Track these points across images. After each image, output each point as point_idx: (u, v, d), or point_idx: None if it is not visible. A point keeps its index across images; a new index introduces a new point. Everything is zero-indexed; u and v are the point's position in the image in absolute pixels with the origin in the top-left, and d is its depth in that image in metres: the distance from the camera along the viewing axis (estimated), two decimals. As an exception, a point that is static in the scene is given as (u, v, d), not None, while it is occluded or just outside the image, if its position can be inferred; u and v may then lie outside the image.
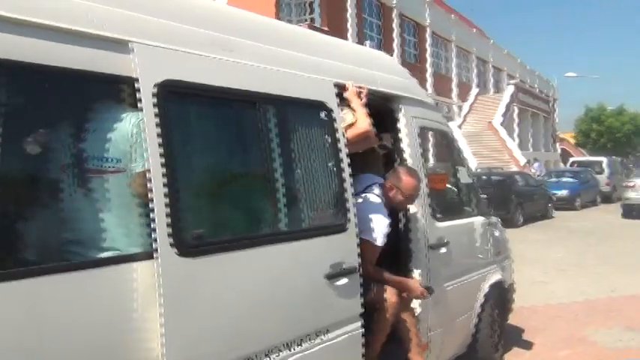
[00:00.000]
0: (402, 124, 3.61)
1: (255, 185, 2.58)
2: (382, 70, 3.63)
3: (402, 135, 3.61)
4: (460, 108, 34.44)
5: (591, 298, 7.21)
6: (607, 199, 22.50)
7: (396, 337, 3.37)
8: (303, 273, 2.64)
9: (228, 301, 2.25)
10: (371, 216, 3.23)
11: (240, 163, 2.57)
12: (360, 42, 23.03)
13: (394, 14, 27.60)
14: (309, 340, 2.63)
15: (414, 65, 29.57)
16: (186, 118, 2.29)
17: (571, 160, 30.13)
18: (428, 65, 30.97)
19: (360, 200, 3.35)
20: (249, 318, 2.33)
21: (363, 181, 3.51)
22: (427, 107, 4.00)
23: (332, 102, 2.94)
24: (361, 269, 3.15)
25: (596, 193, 22.28)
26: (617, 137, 45.06)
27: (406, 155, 3.59)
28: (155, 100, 2.05)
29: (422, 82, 29.78)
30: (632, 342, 5.29)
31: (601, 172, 23.68)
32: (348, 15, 23.92)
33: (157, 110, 2.04)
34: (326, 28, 19.83)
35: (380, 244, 3.18)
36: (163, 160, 2.03)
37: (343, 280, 2.81)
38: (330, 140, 2.91)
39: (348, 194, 2.92)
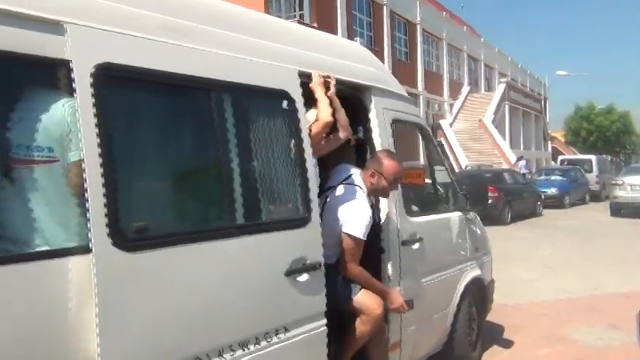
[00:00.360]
0: (373, 116, 3.50)
1: (206, 177, 2.45)
2: (352, 59, 3.52)
3: (373, 127, 3.50)
4: (451, 106, 34.40)
5: (575, 296, 7.14)
6: (596, 197, 22.51)
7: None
8: (260, 268, 2.52)
9: (175, 299, 2.12)
10: (352, 207, 3.11)
11: (190, 152, 2.43)
12: (351, 39, 22.85)
13: (385, 11, 27.49)
14: (267, 338, 2.51)
15: (404, 63, 29.50)
16: (128, 104, 2.16)
17: (560, 158, 30.14)
18: (419, 63, 30.89)
19: (339, 191, 3.23)
20: (197, 316, 2.20)
21: (340, 171, 3.39)
22: (401, 99, 3.88)
23: (295, 91, 2.82)
24: (343, 267, 3.05)
25: (586, 192, 22.28)
26: (606, 136, 45.22)
27: (378, 149, 3.48)
28: (91, 84, 1.92)
29: (413, 80, 29.80)
30: (613, 340, 5.20)
31: (590, 170, 23.68)
32: (338, 11, 23.78)
33: (93, 95, 1.92)
34: (315, 25, 19.66)
35: (363, 238, 3.07)
36: (100, 149, 1.90)
37: (305, 277, 2.70)
38: (292, 131, 2.79)
39: (312, 187, 2.80)
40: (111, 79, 2.00)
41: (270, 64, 2.73)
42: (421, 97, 30.39)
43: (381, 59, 26.68)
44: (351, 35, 23.84)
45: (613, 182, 17.90)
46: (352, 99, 3.51)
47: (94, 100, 1.91)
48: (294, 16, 22.54)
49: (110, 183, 1.91)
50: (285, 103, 2.78)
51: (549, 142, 45.59)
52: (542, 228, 14.59)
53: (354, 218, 3.07)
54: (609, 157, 31.54)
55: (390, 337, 3.44)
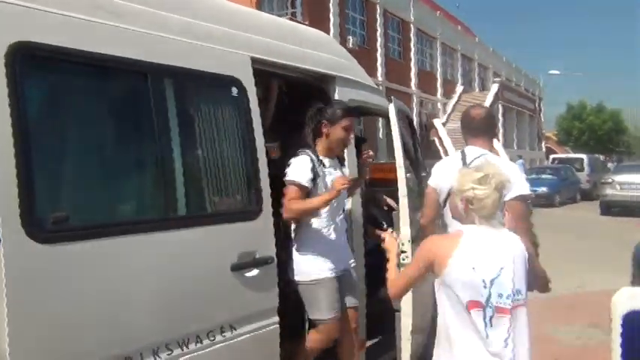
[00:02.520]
0: (337, 107, 3.36)
1: (141, 165, 2.33)
2: (316, 48, 3.39)
3: (337, 118, 3.36)
4: (445, 105, 34.29)
5: (557, 294, 7.01)
6: (587, 196, 22.41)
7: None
8: (203, 263, 2.39)
9: (100, 295, 1.99)
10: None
11: (122, 139, 2.30)
12: (343, 37, 22.77)
13: (378, 10, 27.31)
14: (210, 337, 2.39)
15: (398, 62, 29.36)
16: (50, 87, 2.03)
17: (551, 157, 30.06)
18: (412, 62, 30.74)
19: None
20: (127, 313, 2.07)
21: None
22: (367, 90, 3.77)
23: (247, 78, 2.70)
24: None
25: (576, 190, 22.19)
26: (598, 135, 45.26)
27: None
28: (5, 64, 1.79)
29: (406, 79, 29.68)
30: (591, 340, 5.10)
31: (581, 169, 23.61)
32: (331, 10, 23.62)
33: (7, 76, 1.79)
34: (307, 23, 19.54)
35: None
36: (15, 134, 1.77)
37: (254, 272, 2.58)
38: (242, 119, 2.67)
39: (263, 178, 2.68)
40: (29, 60, 1.87)
41: (218, 49, 2.60)
42: (414, 96, 30.26)
43: (374, 58, 26.58)
44: (343, 34, 23.70)
45: (603, 181, 17.82)
46: (315, 89, 3.39)
47: (7, 82, 1.78)
48: (286, 14, 22.38)
49: (25, 170, 1.79)
50: (234, 91, 2.65)
51: (543, 142, 45.60)
52: (530, 226, 14.47)
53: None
54: (601, 157, 31.47)
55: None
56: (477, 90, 39.01)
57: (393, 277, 2.32)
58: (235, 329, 2.49)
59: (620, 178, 16.76)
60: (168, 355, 2.21)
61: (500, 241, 2.10)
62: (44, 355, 1.83)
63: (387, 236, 2.48)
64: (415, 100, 30.34)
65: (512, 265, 2.05)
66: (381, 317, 3.57)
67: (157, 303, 2.19)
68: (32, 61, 1.89)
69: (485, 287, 2.00)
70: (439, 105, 34.23)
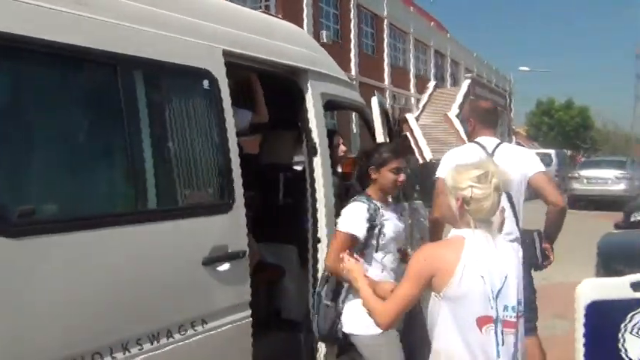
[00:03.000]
0: (308, 101, 3.36)
1: (111, 158, 2.29)
2: (288, 41, 3.37)
3: (309, 113, 3.36)
4: (418, 100, 34.56)
5: (523, 287, 7.16)
6: (555, 190, 22.88)
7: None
8: (174, 257, 2.37)
9: (69, 289, 1.96)
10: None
11: (91, 132, 2.26)
12: (316, 31, 22.74)
13: (352, 4, 27.33)
14: (182, 331, 2.37)
15: (371, 57, 29.47)
16: (16, 76, 1.98)
17: (519, 152, 30.52)
18: (385, 57, 30.89)
19: None
20: (96, 307, 2.04)
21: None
22: (340, 83, 3.77)
23: (218, 70, 2.68)
24: None
25: (545, 185, 22.63)
26: (566, 130, 46.24)
27: (313, 135, 3.35)
28: None
29: (379, 74, 29.80)
30: (557, 330, 5.23)
31: (549, 164, 24.10)
32: (304, 3, 23.55)
33: None
34: (280, 16, 19.43)
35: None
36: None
37: (226, 266, 2.56)
38: (214, 112, 2.65)
39: (235, 171, 2.66)
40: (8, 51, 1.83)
41: (189, 41, 2.57)
42: (387, 91, 30.42)
43: (348, 52, 26.57)
44: (317, 27, 23.67)
45: (570, 175, 18.26)
46: (287, 83, 3.38)
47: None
48: (260, 7, 22.23)
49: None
50: (206, 83, 2.63)
51: (513, 137, 46.34)
52: (499, 220, 14.70)
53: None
54: (569, 152, 32.17)
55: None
56: (449, 85, 39.41)
57: (377, 304, 2.05)
58: (207, 323, 2.48)
59: (586, 172, 17.21)
60: (139, 349, 2.19)
61: (502, 248, 1.95)
62: (11, 348, 1.79)
63: (346, 259, 2.32)
64: (388, 94, 30.49)
65: (515, 273, 1.94)
66: None
67: (127, 297, 2.16)
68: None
69: (494, 299, 1.85)
70: (412, 100, 34.49)
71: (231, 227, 2.63)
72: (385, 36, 30.98)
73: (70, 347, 1.96)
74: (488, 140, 2.84)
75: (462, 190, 1.91)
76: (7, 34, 1.86)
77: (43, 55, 2.04)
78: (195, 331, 2.43)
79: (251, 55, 2.98)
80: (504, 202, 2.18)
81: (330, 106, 3.58)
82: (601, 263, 5.29)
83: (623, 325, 1.98)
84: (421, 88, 35.17)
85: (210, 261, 2.49)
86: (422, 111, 33.52)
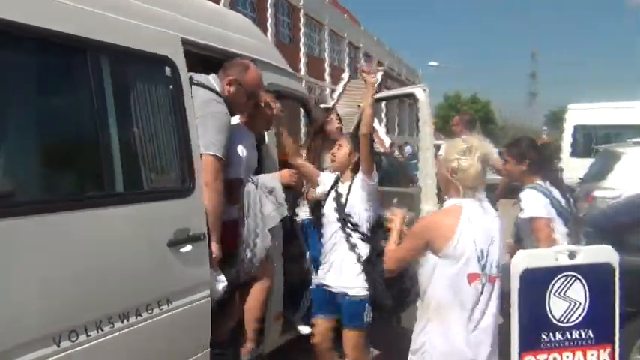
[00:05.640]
0: (257, 91, 3.49)
1: (80, 143, 2.33)
2: (237, 31, 3.49)
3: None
4: (333, 90, 35.14)
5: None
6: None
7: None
8: (142, 239, 2.45)
9: (43, 269, 2.01)
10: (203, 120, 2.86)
11: (62, 116, 2.28)
12: (233, 19, 22.48)
13: (269, -9, 27.29)
14: (149, 309, 2.46)
15: (287, 46, 29.55)
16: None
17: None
18: (301, 47, 31.14)
19: None
20: (70, 288, 2.10)
21: None
22: (284, 74, 3.93)
23: (178, 58, 2.76)
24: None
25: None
26: (471, 124, 48.95)
27: None
28: None
29: (295, 64, 29.94)
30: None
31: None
32: (221, -10, 23.21)
33: None
34: (197, 1, 19.03)
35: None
36: None
37: (188, 247, 2.67)
38: (174, 99, 2.72)
39: (195, 157, 2.76)
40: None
41: (152, 29, 2.63)
42: (304, 81, 30.71)
43: (265, 41, 26.61)
44: (233, 15, 23.40)
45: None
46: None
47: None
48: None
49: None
50: (167, 70, 2.70)
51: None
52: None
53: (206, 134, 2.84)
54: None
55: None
56: (363, 77, 40.29)
57: (391, 250, 2.50)
58: (172, 302, 2.58)
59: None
60: (111, 327, 2.26)
61: (489, 215, 2.30)
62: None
63: (396, 213, 2.69)
64: (304, 84, 30.80)
65: (499, 236, 2.29)
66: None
67: (99, 278, 2.22)
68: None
69: (482, 258, 2.22)
70: (327, 90, 35.03)
71: (192, 211, 2.73)
72: (301, 26, 31.22)
73: (47, 326, 2.01)
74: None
75: (451, 162, 2.28)
76: None
77: (11, 37, 2.04)
78: (161, 309, 2.52)
79: (207, 45, 3.08)
80: None
81: (277, 96, 3.73)
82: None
83: (549, 288, 2.34)
84: (336, 78, 35.76)
85: (174, 243, 2.59)
86: (337, 101, 34.16)
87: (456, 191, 2.29)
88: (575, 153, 11.92)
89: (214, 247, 2.82)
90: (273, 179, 3.23)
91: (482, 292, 2.24)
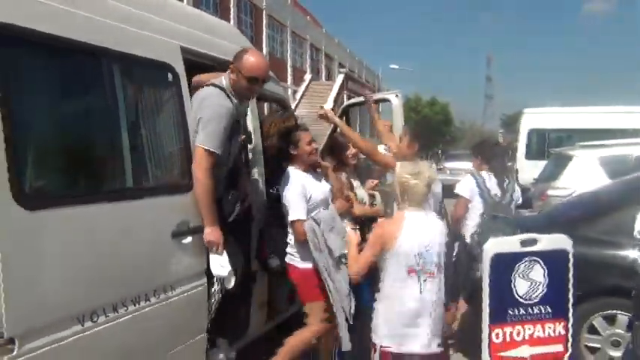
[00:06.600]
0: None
1: (99, 142, 2.55)
2: (225, 38, 3.71)
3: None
4: (294, 92, 35.39)
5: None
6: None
7: None
8: (150, 230, 2.68)
9: (72, 256, 2.23)
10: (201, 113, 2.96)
11: (85, 119, 2.51)
12: (196, 19, 22.43)
13: (231, -9, 27.34)
14: (155, 295, 2.69)
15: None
16: (24, 65, 2.19)
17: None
18: (264, 47, 31.25)
19: None
20: (92, 273, 2.32)
21: None
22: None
23: (178, 65, 2.98)
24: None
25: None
26: (431, 126, 50.04)
27: (248, 125, 3.73)
28: None
29: (258, 65, 30.11)
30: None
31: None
32: (184, -11, 23.14)
33: None
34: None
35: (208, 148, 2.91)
36: (2, 112, 1.94)
37: (189, 239, 2.89)
38: (176, 103, 2.95)
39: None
40: (5, 40, 2.03)
41: (157, 38, 2.85)
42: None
43: (228, 41, 26.55)
44: (197, 15, 23.35)
45: (437, 167, 20.13)
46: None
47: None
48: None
49: (10, 144, 1.96)
50: (170, 75, 2.93)
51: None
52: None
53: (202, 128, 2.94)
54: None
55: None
56: (324, 79, 40.76)
57: (354, 258, 2.98)
58: (174, 289, 2.81)
59: (449, 164, 19.11)
60: (125, 310, 2.49)
61: (430, 223, 2.83)
62: (30, 307, 2.03)
63: (350, 231, 3.17)
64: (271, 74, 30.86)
65: (438, 240, 2.78)
66: None
67: (115, 264, 2.44)
68: (10, 40, 2.04)
69: (420, 257, 2.73)
70: (289, 91, 35.25)
71: (192, 205, 2.95)
72: (264, 26, 31.36)
73: (73, 307, 2.24)
74: None
75: (402, 179, 2.81)
76: (9, 24, 2.06)
77: (38, 45, 2.24)
78: (166, 295, 2.75)
79: (200, 52, 3.31)
80: None
81: (261, 98, 3.98)
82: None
83: (514, 271, 2.71)
84: (298, 80, 36.00)
85: (177, 234, 2.82)
86: (298, 102, 34.45)
87: (404, 203, 2.83)
88: (530, 155, 12.51)
89: (207, 232, 2.92)
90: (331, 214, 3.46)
91: (420, 284, 2.74)
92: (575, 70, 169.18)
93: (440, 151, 39.78)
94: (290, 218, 3.37)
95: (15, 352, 1.97)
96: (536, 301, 2.78)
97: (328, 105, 25.60)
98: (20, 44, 2.13)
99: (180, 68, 2.99)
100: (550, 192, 7.84)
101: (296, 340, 3.43)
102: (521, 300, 2.75)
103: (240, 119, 3.29)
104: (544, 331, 2.81)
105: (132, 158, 2.62)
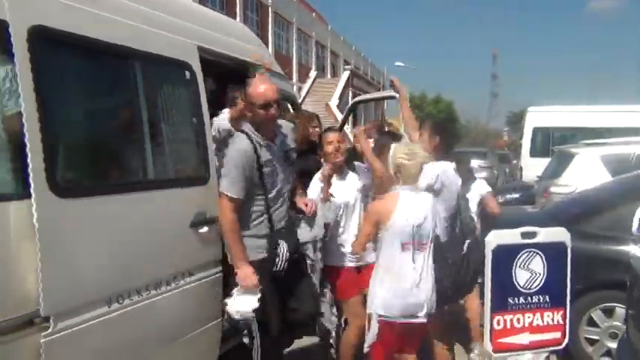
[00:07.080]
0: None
1: (125, 136, 2.71)
2: (239, 38, 3.88)
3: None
4: (300, 89, 35.54)
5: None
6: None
7: None
8: (170, 219, 2.84)
9: (101, 242, 2.39)
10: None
11: (112, 115, 2.67)
12: (203, 15, 22.58)
13: (237, -11, 27.47)
14: (176, 281, 2.85)
15: (256, 44, 29.80)
16: (59, 64, 2.33)
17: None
18: (270, 44, 31.37)
19: None
20: (120, 258, 2.48)
21: None
22: (277, 77, 4.33)
23: (195, 64, 3.13)
24: None
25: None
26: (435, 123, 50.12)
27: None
28: (28, 44, 2.09)
29: (264, 61, 30.28)
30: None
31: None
32: (191, -14, 23.27)
33: (29, 54, 2.09)
34: None
35: (225, 192, 2.97)
36: (38, 106, 2.09)
37: (205, 229, 3.05)
38: (194, 100, 3.10)
39: (209, 149, 3.15)
40: (44, 40, 2.18)
41: (176, 38, 3.01)
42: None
43: (234, 38, 26.72)
44: (204, 11, 23.49)
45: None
46: (239, 74, 3.87)
47: (30, 58, 2.09)
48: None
49: (48, 136, 2.11)
50: (188, 74, 3.08)
51: (386, 128, 49.09)
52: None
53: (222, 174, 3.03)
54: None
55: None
56: (329, 76, 40.91)
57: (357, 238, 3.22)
58: (193, 275, 2.97)
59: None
60: (147, 294, 2.65)
61: (422, 200, 3.01)
62: (66, 288, 2.20)
63: None
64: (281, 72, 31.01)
65: (430, 215, 2.96)
66: None
67: (139, 251, 2.61)
68: (47, 41, 2.20)
69: (414, 231, 2.91)
70: (295, 88, 35.39)
71: (208, 196, 3.11)
72: (270, 23, 31.50)
73: (105, 290, 2.41)
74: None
75: (396, 160, 2.97)
76: (48, 27, 2.23)
77: (70, 46, 2.40)
78: (185, 281, 2.91)
79: (216, 51, 3.46)
80: None
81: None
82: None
83: (515, 261, 2.86)
84: (303, 77, 36.18)
85: (195, 224, 2.98)
86: (304, 99, 34.59)
87: (398, 182, 3.00)
88: (534, 153, 12.64)
89: (237, 271, 2.95)
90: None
91: (413, 257, 2.93)
92: (582, 68, 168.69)
93: None
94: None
95: (50, 330, 2.13)
96: (535, 290, 2.93)
97: (333, 102, 25.92)
98: (55, 46, 2.28)
99: (197, 66, 3.14)
100: (552, 189, 7.95)
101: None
102: (521, 289, 2.91)
103: (276, 154, 3.12)
104: (543, 320, 2.97)
105: (153, 151, 2.78)
